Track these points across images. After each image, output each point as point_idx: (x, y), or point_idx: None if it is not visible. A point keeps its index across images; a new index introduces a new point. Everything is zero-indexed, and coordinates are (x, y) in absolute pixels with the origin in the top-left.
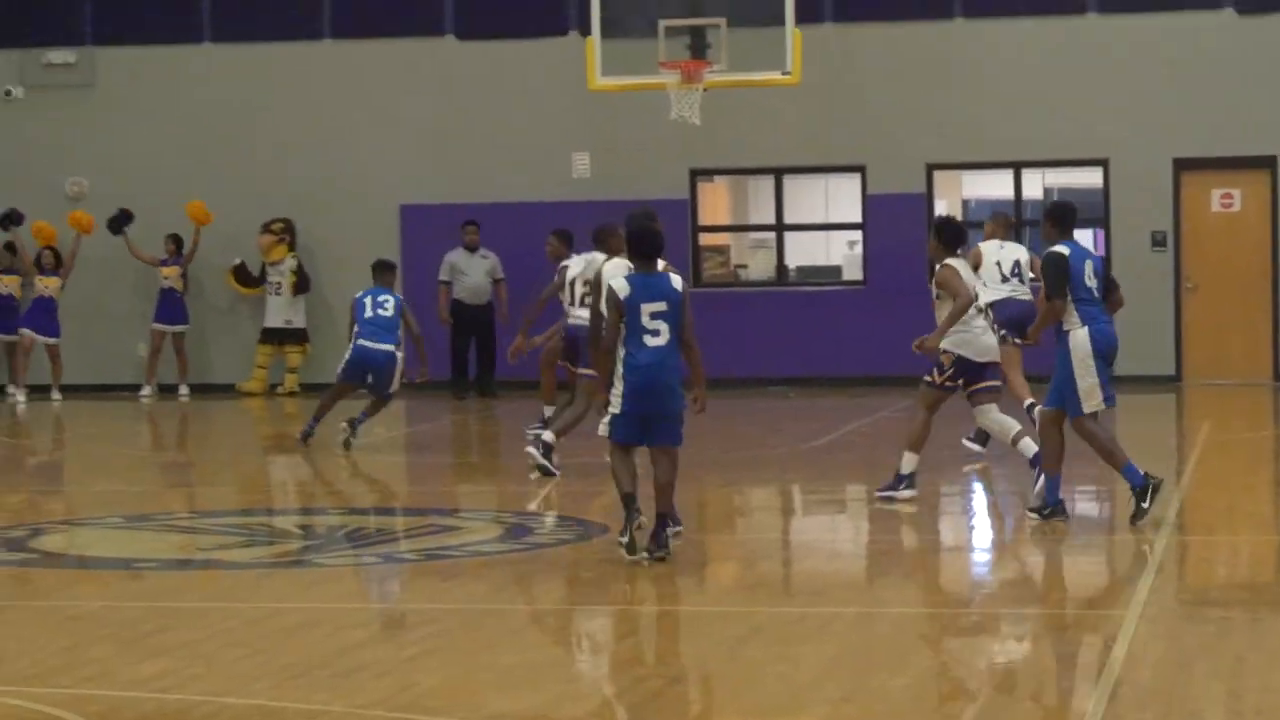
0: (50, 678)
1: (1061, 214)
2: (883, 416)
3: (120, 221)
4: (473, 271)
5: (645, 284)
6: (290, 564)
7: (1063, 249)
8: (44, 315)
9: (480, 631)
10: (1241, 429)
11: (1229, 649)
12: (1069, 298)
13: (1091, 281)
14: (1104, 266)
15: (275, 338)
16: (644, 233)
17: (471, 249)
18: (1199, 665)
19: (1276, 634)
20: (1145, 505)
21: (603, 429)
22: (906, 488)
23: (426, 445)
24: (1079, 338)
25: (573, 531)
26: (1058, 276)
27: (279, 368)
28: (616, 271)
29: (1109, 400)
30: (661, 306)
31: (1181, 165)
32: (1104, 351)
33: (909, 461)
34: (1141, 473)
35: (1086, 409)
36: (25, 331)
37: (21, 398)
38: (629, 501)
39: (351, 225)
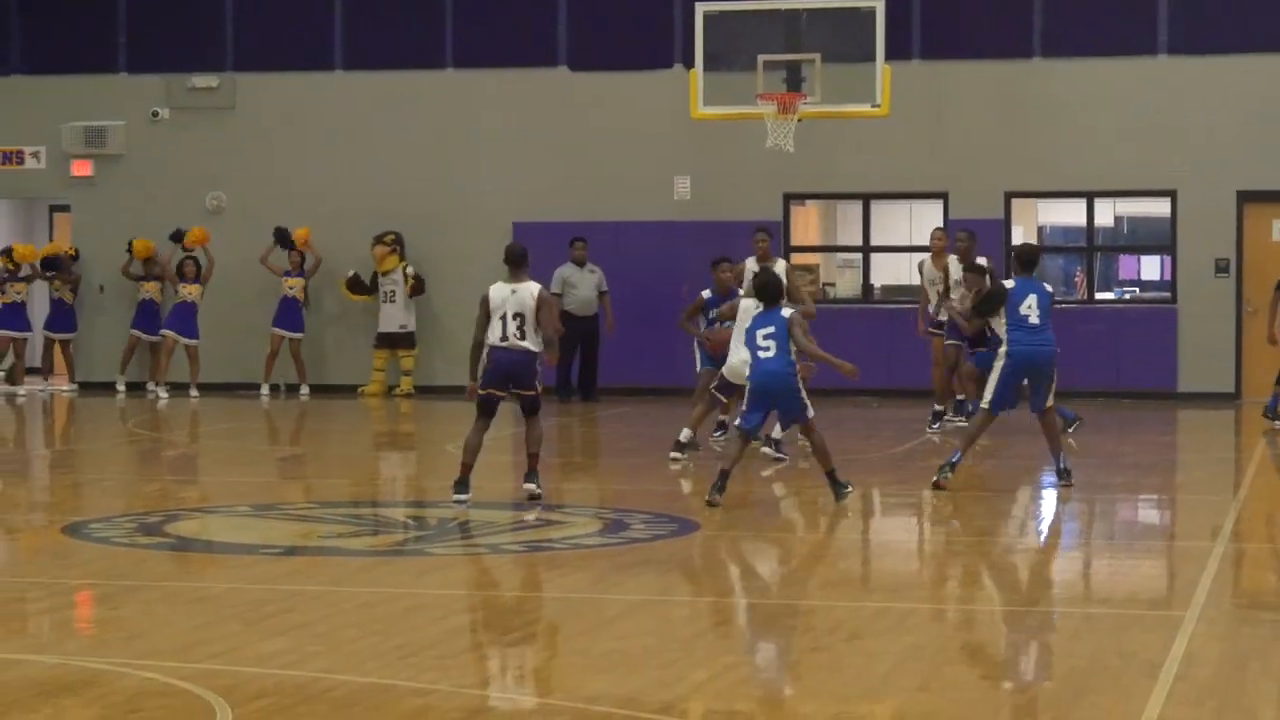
0: (181, 653)
1: (1025, 255)
2: (957, 425)
3: (282, 238)
4: (582, 285)
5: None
6: (402, 552)
7: (1009, 283)
8: (185, 318)
9: (579, 619)
10: None
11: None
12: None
13: (1027, 311)
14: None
15: (389, 342)
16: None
17: (580, 264)
18: (1253, 665)
19: None
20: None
21: None
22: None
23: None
24: (1001, 353)
25: (667, 528)
26: (992, 303)
27: (394, 370)
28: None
29: (997, 407)
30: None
31: (1244, 197)
32: (1016, 369)
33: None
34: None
35: (983, 404)
36: (168, 333)
37: (164, 394)
38: None
39: (467, 240)
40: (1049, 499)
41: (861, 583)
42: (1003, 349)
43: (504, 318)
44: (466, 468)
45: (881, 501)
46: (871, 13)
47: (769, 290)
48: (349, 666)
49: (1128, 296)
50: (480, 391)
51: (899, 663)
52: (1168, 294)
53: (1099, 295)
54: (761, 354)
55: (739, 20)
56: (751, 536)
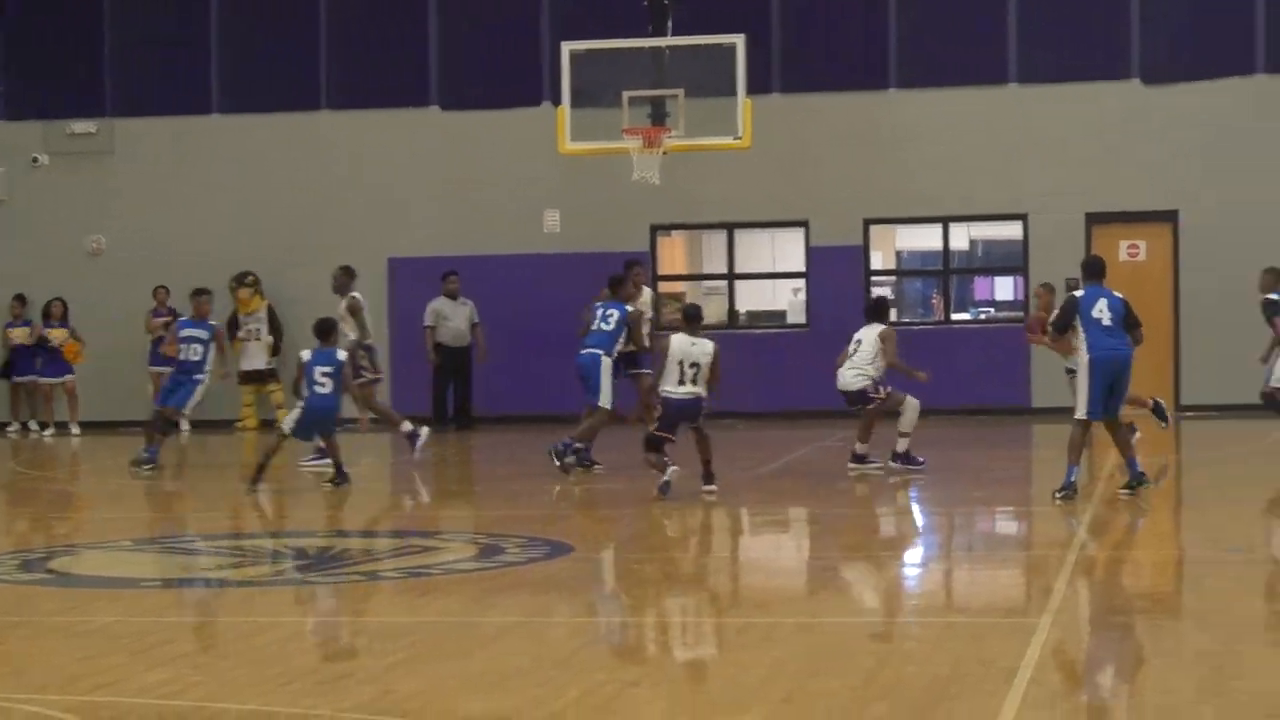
0: (66, 686)
1: (1091, 265)
2: (821, 446)
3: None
4: (455, 317)
5: None
6: (281, 582)
7: (1079, 292)
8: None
9: (454, 642)
10: (1143, 454)
11: (1132, 653)
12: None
13: (1099, 314)
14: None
15: (254, 379)
16: None
17: (453, 297)
18: (1104, 668)
19: (1175, 639)
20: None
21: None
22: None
23: (409, 474)
24: (1083, 361)
25: (540, 551)
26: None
27: (265, 405)
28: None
29: (1093, 414)
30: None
31: (1092, 219)
32: (1100, 371)
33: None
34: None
35: (1078, 414)
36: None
37: (47, 434)
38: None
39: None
40: (915, 512)
41: (729, 599)
42: (1085, 356)
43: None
44: None
45: (749, 520)
46: (732, 48)
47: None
48: (230, 694)
49: (983, 316)
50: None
51: (765, 675)
52: (1021, 313)
53: (955, 316)
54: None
55: (604, 58)
56: (622, 558)
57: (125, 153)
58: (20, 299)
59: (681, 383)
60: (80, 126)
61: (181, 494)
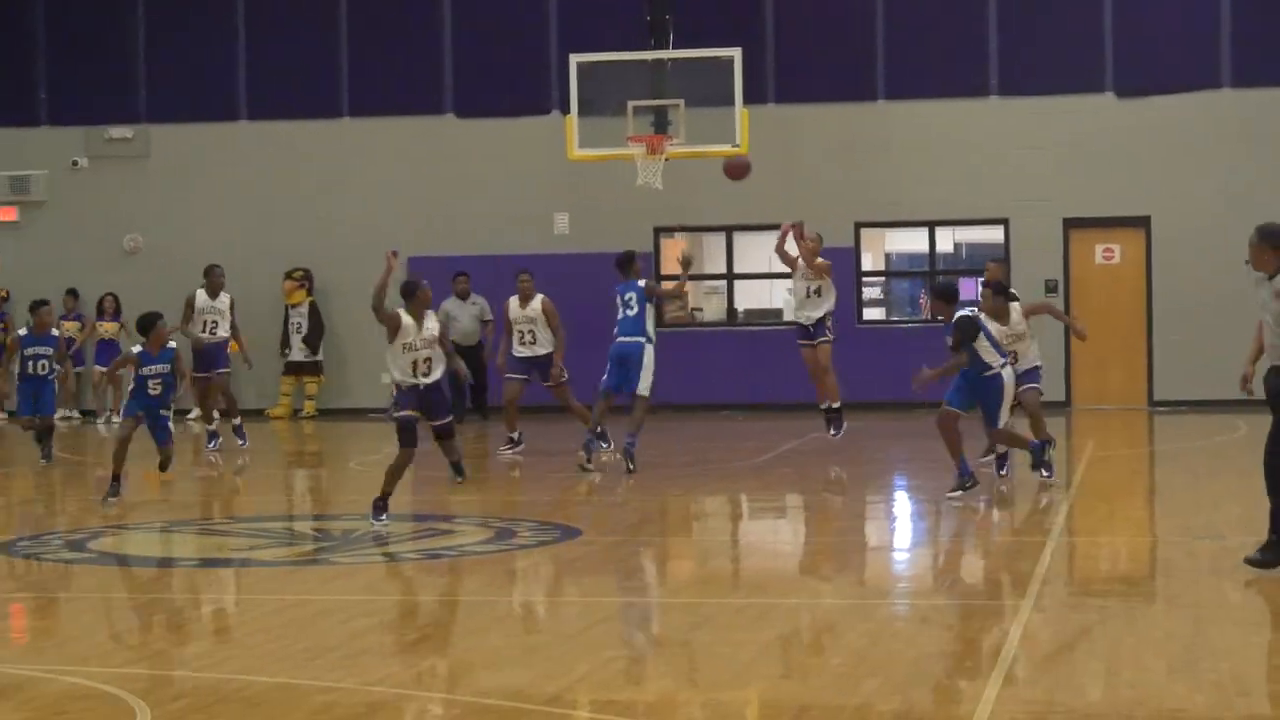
0: (105, 659)
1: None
2: (814, 437)
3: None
4: (463, 316)
5: None
6: (309, 562)
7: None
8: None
9: (471, 620)
10: (1120, 446)
11: (1107, 634)
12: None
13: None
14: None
15: (296, 369)
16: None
17: (463, 296)
18: (1081, 646)
19: (1148, 621)
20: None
21: None
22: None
23: (425, 462)
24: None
25: (551, 534)
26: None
27: (299, 395)
28: None
29: None
30: None
31: (1070, 224)
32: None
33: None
34: None
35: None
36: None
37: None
38: None
39: (364, 275)
40: (901, 501)
41: (729, 581)
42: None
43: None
44: None
45: (748, 506)
46: (730, 61)
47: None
48: (260, 668)
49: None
50: None
51: (762, 653)
52: None
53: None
54: None
55: (609, 69)
56: (629, 541)
57: (159, 156)
58: (73, 294)
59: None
60: (117, 132)
61: (215, 479)
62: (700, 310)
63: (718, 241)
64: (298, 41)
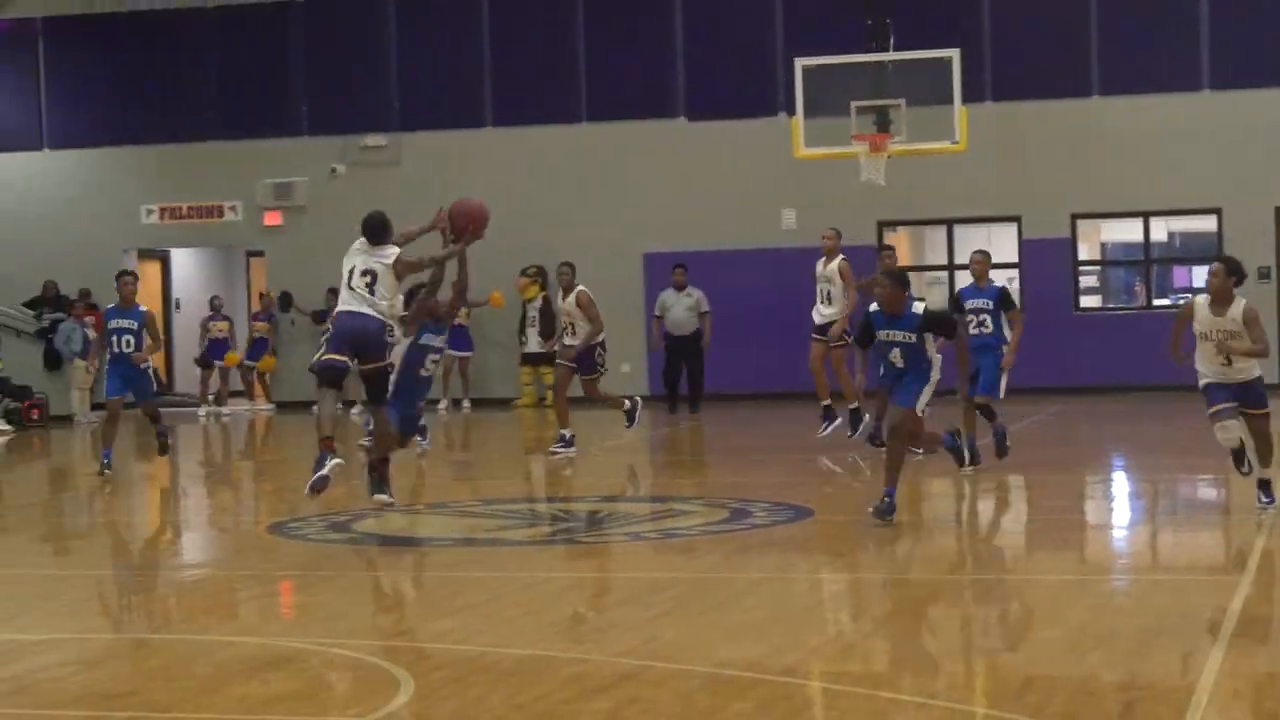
0: (369, 633)
1: None
2: (1036, 420)
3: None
4: (676, 307)
5: None
6: (555, 542)
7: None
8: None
9: (710, 595)
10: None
11: None
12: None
13: None
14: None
15: (532, 360)
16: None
17: (679, 288)
18: None
19: None
20: None
21: None
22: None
23: (658, 449)
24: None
25: (785, 514)
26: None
27: (540, 385)
28: None
29: None
30: None
31: None
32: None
33: None
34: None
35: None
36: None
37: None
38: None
39: (602, 270)
40: (1119, 480)
41: (956, 557)
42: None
43: None
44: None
45: (970, 487)
46: (949, 62)
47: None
48: (512, 640)
49: (1181, 302)
50: None
51: (988, 627)
52: None
53: (1156, 301)
54: None
55: (833, 72)
56: (858, 521)
57: (410, 162)
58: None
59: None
60: (372, 140)
61: (467, 464)
62: (922, 300)
63: (939, 234)
64: (538, 52)
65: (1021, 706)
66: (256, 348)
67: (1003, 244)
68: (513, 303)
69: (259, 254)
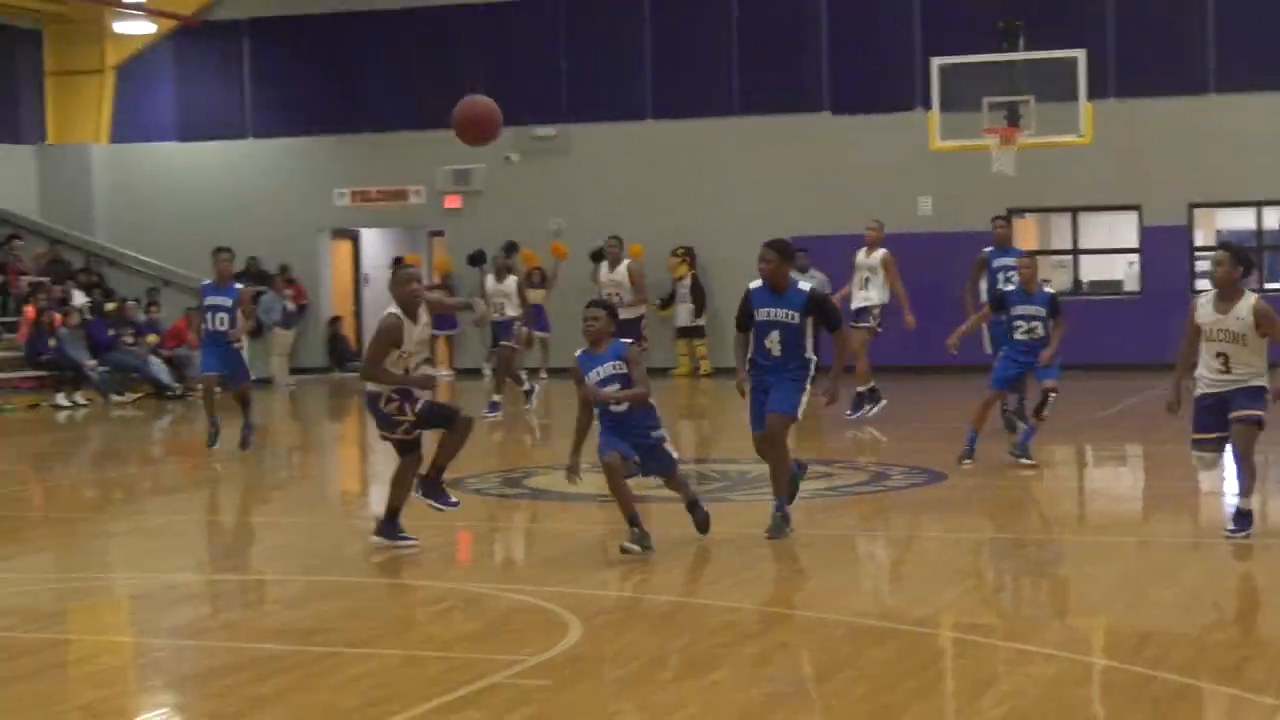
0: (539, 579)
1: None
2: (1148, 394)
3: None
4: None
5: None
6: (708, 500)
7: None
8: (537, 317)
9: (849, 551)
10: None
11: None
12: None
13: None
14: None
15: (685, 334)
16: None
17: (802, 270)
18: None
19: None
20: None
21: None
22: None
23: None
24: None
25: (920, 478)
26: None
27: (694, 357)
28: None
29: None
30: None
31: None
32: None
33: None
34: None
35: None
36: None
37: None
38: None
39: (748, 252)
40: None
41: (1079, 520)
42: None
43: None
44: None
45: (1094, 455)
46: (1074, 61)
47: None
48: (669, 589)
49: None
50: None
51: (1108, 586)
52: None
53: (1268, 285)
54: None
55: (967, 70)
56: (989, 484)
57: (578, 151)
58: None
59: None
60: (543, 130)
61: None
62: (1048, 281)
63: (1064, 221)
64: (695, 51)
65: (1140, 660)
66: (436, 319)
67: (1124, 231)
68: (661, 281)
69: (439, 233)
